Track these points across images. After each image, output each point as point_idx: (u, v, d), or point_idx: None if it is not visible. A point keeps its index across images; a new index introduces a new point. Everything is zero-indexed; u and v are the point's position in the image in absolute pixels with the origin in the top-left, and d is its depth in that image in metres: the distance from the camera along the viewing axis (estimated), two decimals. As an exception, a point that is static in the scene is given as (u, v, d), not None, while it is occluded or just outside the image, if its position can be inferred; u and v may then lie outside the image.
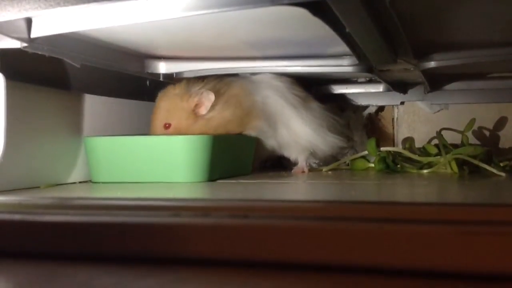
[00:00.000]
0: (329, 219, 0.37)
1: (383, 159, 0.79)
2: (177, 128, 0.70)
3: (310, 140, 0.79)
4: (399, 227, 0.35)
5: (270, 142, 0.79)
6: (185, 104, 0.71)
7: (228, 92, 0.74)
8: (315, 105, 0.82)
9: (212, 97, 0.71)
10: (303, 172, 0.79)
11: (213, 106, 0.71)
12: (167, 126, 0.71)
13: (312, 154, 0.81)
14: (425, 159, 0.79)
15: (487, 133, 0.96)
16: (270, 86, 0.78)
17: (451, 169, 0.75)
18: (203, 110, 0.71)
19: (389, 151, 0.81)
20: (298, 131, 0.79)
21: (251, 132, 0.75)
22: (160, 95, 0.73)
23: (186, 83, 0.73)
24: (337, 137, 0.82)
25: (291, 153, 0.81)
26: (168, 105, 0.72)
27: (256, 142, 0.77)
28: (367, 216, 0.37)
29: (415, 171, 0.77)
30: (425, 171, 0.76)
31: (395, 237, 0.34)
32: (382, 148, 0.81)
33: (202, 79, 0.74)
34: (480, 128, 0.96)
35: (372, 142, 0.81)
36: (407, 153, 0.80)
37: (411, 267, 0.33)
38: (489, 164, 0.74)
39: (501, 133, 0.96)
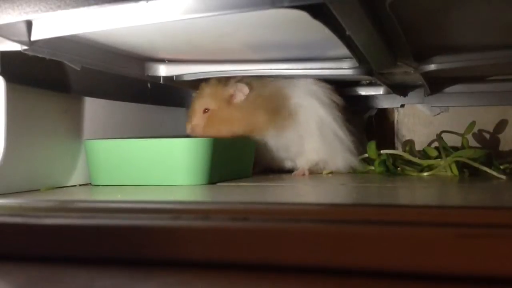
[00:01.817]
0: (329, 222, 0.37)
1: (383, 162, 0.79)
2: (213, 113, 0.77)
3: (333, 153, 0.80)
4: (400, 230, 0.35)
5: (287, 150, 0.79)
6: (223, 92, 0.78)
7: (263, 89, 0.78)
8: (347, 118, 0.82)
9: (246, 90, 0.77)
10: (304, 175, 0.79)
11: (247, 99, 0.77)
12: (206, 111, 0.78)
13: (323, 164, 0.81)
14: (425, 162, 0.79)
15: (487, 135, 0.96)
16: (309, 91, 0.80)
17: (452, 171, 0.75)
18: (236, 100, 0.77)
19: (390, 154, 0.81)
20: (329, 141, 0.79)
21: (276, 131, 0.77)
22: (202, 85, 0.79)
23: (227, 78, 0.78)
24: (357, 159, 0.81)
25: (302, 161, 0.81)
26: (209, 93, 0.78)
27: (259, 149, 0.77)
28: (367, 219, 0.36)
29: (415, 174, 0.77)
30: (425, 173, 0.77)
31: (395, 240, 0.34)
32: (382, 151, 0.81)
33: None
34: (480, 130, 0.96)
35: (372, 145, 0.81)
36: (407, 156, 0.80)
37: (411, 270, 0.33)
38: (489, 167, 0.74)
39: (501, 136, 0.96)
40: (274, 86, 0.79)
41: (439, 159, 0.78)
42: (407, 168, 0.79)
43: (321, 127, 0.79)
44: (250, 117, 0.76)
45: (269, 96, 0.78)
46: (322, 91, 0.80)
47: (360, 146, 0.83)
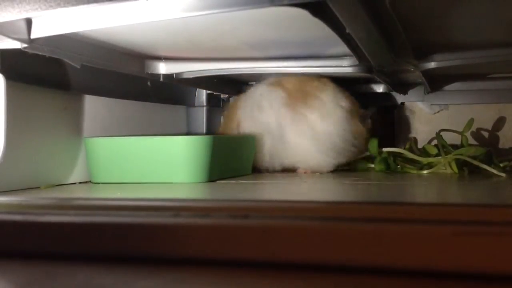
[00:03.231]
0: (329, 219, 0.37)
1: (383, 160, 0.79)
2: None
3: (308, 158, 0.77)
4: (399, 227, 0.35)
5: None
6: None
7: (240, 97, 0.84)
8: (324, 118, 0.77)
9: (225, 112, 0.86)
10: (303, 172, 0.79)
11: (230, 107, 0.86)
12: None
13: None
14: (425, 160, 0.79)
15: (486, 133, 0.96)
16: (259, 96, 0.79)
17: (451, 169, 0.75)
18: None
19: (390, 152, 0.81)
20: (291, 146, 0.77)
21: None
22: None
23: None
24: (341, 157, 0.77)
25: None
26: None
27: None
28: (367, 216, 0.37)
29: (415, 171, 0.77)
30: (425, 171, 0.77)
31: (395, 237, 0.34)
32: (382, 149, 0.81)
33: None
34: (480, 128, 0.96)
35: (374, 142, 0.81)
36: (407, 154, 0.80)
37: (411, 267, 0.33)
38: (489, 165, 0.74)
39: (500, 133, 0.96)
40: (245, 93, 0.83)
41: (439, 157, 0.78)
42: (407, 165, 0.79)
43: (270, 133, 0.77)
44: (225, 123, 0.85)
45: (233, 104, 0.84)
46: (273, 95, 0.78)
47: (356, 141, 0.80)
